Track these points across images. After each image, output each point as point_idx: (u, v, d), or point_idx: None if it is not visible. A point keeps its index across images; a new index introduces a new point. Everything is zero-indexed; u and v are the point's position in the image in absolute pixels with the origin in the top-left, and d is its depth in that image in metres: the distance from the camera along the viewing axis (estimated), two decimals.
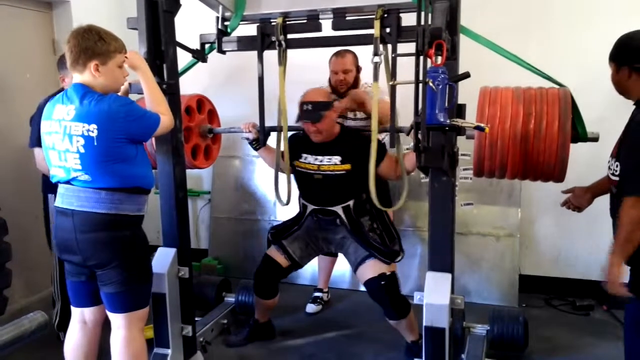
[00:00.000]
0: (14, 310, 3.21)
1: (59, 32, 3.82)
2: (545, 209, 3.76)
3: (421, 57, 1.89)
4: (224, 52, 2.84)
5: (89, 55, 2.04)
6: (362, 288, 2.86)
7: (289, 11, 2.68)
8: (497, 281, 3.73)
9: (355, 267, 2.84)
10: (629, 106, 2.05)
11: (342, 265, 3.67)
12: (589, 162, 2.73)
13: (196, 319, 2.92)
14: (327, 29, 2.66)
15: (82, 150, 2.04)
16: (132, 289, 2.20)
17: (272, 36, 2.69)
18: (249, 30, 2.81)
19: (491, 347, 2.93)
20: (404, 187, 2.63)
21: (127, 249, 2.18)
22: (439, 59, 1.90)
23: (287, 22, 2.68)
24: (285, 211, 3.36)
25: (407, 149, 3.26)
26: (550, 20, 3.59)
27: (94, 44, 2.04)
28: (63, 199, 2.15)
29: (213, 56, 2.89)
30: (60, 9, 3.81)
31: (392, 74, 2.41)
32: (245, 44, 2.80)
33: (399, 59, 2.32)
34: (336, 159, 2.78)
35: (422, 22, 1.90)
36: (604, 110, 2.67)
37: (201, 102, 3.08)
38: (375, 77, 2.51)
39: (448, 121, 1.93)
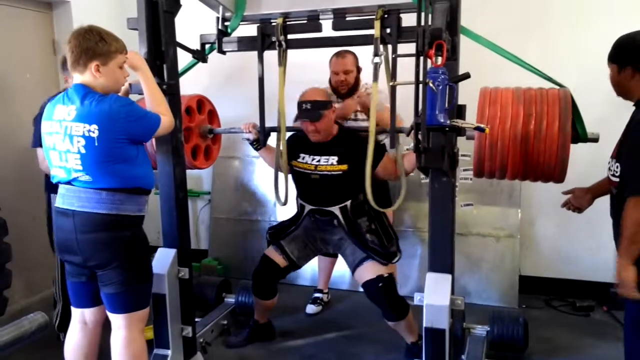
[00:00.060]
0: (14, 311, 3.21)
1: (59, 32, 3.83)
2: (546, 209, 3.76)
3: (421, 58, 1.89)
4: (224, 53, 2.84)
5: (90, 56, 2.05)
6: (362, 289, 2.86)
7: (289, 11, 2.68)
8: (497, 282, 3.73)
9: (353, 268, 2.84)
10: (628, 107, 2.05)
11: (342, 266, 3.66)
12: (589, 163, 2.73)
13: (196, 319, 2.92)
14: (327, 29, 2.66)
15: (82, 150, 2.04)
16: (132, 289, 2.20)
17: (272, 36, 2.69)
18: (249, 30, 2.81)
19: (491, 348, 2.93)
20: (402, 188, 2.63)
21: (128, 250, 2.17)
22: (439, 59, 1.90)
23: (288, 23, 2.68)
24: (285, 212, 3.36)
25: (408, 149, 3.26)
26: (550, 20, 3.59)
27: (94, 45, 2.04)
28: (64, 200, 2.15)
29: (213, 56, 2.89)
30: (60, 9, 3.81)
31: (392, 75, 2.41)
32: (245, 44, 2.80)
33: (399, 59, 2.32)
34: (333, 159, 2.78)
35: (422, 23, 1.90)
36: (604, 111, 2.66)
37: (201, 102, 3.08)
38: (375, 78, 2.52)
39: (448, 122, 1.93)
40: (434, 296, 2.18)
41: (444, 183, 2.21)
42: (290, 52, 2.73)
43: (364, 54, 2.81)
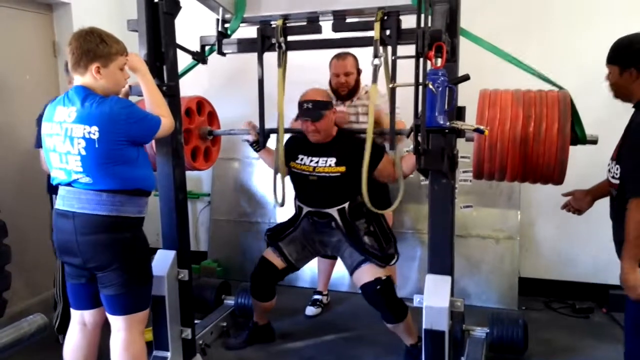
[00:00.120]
0: (13, 313, 3.20)
1: (60, 34, 3.83)
2: (545, 211, 3.76)
3: (421, 60, 1.89)
4: (224, 54, 2.85)
5: (91, 58, 2.05)
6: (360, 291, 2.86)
7: (288, 13, 2.69)
8: (496, 284, 3.73)
9: (351, 271, 2.84)
10: (628, 109, 2.05)
11: (341, 268, 3.65)
12: (588, 165, 2.74)
13: (195, 321, 2.92)
14: (327, 31, 2.66)
15: (83, 152, 2.04)
16: (132, 291, 2.20)
17: (272, 38, 2.69)
18: (249, 32, 2.81)
19: (491, 349, 2.93)
20: (400, 189, 2.63)
21: (128, 251, 2.17)
22: (439, 61, 1.90)
23: (287, 24, 2.68)
24: (285, 214, 3.36)
25: (407, 150, 3.27)
26: (550, 21, 3.59)
27: (95, 47, 2.04)
28: (64, 201, 2.15)
29: (213, 58, 2.89)
30: (60, 10, 3.81)
31: (391, 77, 2.41)
32: (245, 46, 2.80)
33: (398, 61, 2.32)
34: (332, 161, 2.78)
35: (422, 25, 1.90)
36: (603, 113, 2.67)
37: (201, 104, 3.08)
38: (375, 79, 2.52)
39: (448, 124, 1.94)
40: (434, 298, 2.18)
41: (443, 185, 2.21)
42: (290, 53, 2.74)
43: (364, 56, 2.81)
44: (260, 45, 2.74)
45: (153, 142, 2.52)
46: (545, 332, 3.31)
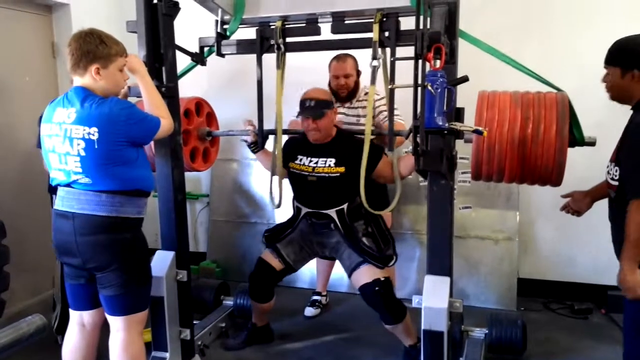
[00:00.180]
0: (12, 314, 3.20)
1: (59, 35, 3.83)
2: (544, 212, 3.76)
3: (420, 61, 1.90)
4: (223, 56, 2.85)
5: (90, 59, 2.05)
6: (359, 292, 2.86)
7: (288, 14, 2.69)
8: (495, 285, 3.73)
9: (349, 272, 2.84)
10: (626, 111, 2.06)
11: (340, 269, 3.65)
12: (587, 167, 2.74)
13: (194, 322, 2.92)
14: (326, 32, 2.66)
15: (82, 153, 2.04)
16: (131, 291, 2.20)
17: (271, 39, 2.69)
18: (248, 33, 2.81)
19: (489, 350, 2.93)
20: (397, 190, 2.63)
21: (127, 252, 2.18)
22: (438, 62, 1.91)
23: (286, 26, 2.69)
24: (284, 214, 3.36)
25: (406, 151, 3.27)
26: (550, 21, 3.60)
27: (95, 48, 2.05)
28: (63, 202, 2.15)
29: (212, 59, 2.89)
30: (59, 12, 3.81)
31: (390, 78, 2.42)
32: (244, 47, 2.81)
33: (397, 62, 2.32)
34: (331, 161, 2.78)
35: (421, 26, 1.91)
36: (602, 115, 2.67)
37: (200, 104, 3.08)
38: (373, 81, 2.53)
39: (447, 125, 1.94)
40: (433, 299, 2.19)
41: (442, 186, 2.21)
42: (289, 54, 2.74)
43: (363, 57, 2.82)
44: (259, 46, 2.74)
45: (152, 143, 2.52)
46: (544, 333, 3.31)
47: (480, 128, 1.95)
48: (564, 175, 2.13)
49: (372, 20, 2.45)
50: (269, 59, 2.74)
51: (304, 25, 2.72)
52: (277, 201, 2.88)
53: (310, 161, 2.83)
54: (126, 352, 2.23)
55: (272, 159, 2.90)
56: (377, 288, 2.68)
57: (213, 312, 3.43)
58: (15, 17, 3.54)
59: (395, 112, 2.83)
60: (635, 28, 2.17)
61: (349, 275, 2.85)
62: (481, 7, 3.49)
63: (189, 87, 3.06)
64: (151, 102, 2.25)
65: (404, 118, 3.22)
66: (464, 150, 2.69)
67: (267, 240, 3.01)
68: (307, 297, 3.76)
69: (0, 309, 2.98)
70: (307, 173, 2.82)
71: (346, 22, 2.66)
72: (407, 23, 2.38)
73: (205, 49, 2.86)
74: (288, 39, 2.68)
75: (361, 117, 3.27)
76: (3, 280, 2.96)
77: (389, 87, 2.37)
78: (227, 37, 2.82)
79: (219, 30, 2.78)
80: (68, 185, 2.13)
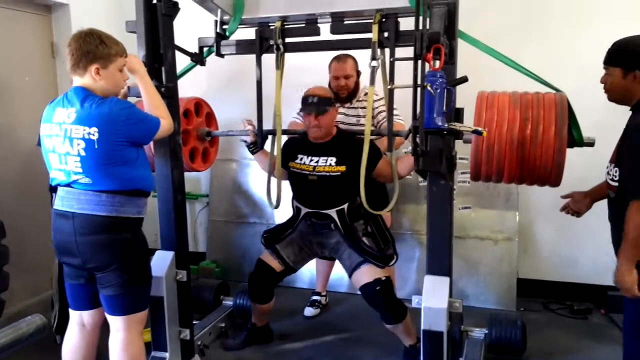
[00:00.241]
0: (11, 314, 3.20)
1: (58, 35, 3.83)
2: (543, 212, 3.77)
3: (419, 62, 1.90)
4: (222, 56, 2.85)
5: (90, 59, 2.05)
6: (360, 292, 2.86)
7: (287, 15, 2.69)
8: (495, 285, 3.74)
9: (350, 272, 2.84)
10: (625, 111, 2.06)
11: (340, 269, 3.65)
12: (585, 167, 2.74)
13: (194, 322, 2.92)
14: (325, 33, 2.66)
15: (82, 153, 2.05)
16: (131, 291, 2.20)
17: (270, 40, 2.69)
18: (248, 33, 2.81)
19: (489, 350, 2.93)
20: (395, 190, 2.64)
21: (127, 252, 2.18)
22: (437, 63, 1.91)
23: (286, 26, 2.69)
24: (284, 215, 3.36)
25: (405, 152, 3.27)
26: (550, 21, 3.60)
27: (95, 48, 2.05)
28: (63, 202, 2.15)
29: (211, 59, 2.90)
30: (59, 12, 3.81)
31: (390, 78, 2.42)
32: (243, 47, 2.81)
33: (397, 63, 2.32)
34: (332, 160, 2.78)
35: (420, 27, 1.91)
36: (600, 115, 2.68)
37: (199, 105, 3.08)
38: (372, 81, 2.53)
39: (446, 125, 1.95)
40: (432, 299, 2.19)
41: (442, 186, 2.22)
42: (288, 55, 2.74)
43: (363, 58, 2.82)
44: (258, 46, 2.74)
45: (151, 143, 2.52)
46: (543, 333, 3.31)
47: (480, 128, 1.95)
48: (563, 176, 2.13)
49: (371, 20, 2.46)
50: (269, 59, 2.75)
51: (303, 25, 2.72)
52: (275, 202, 2.88)
53: (311, 160, 2.83)
54: (126, 352, 2.23)
55: (270, 159, 2.89)
56: (378, 287, 2.68)
57: (213, 312, 3.43)
58: (14, 17, 3.54)
59: (395, 112, 2.83)
60: (634, 28, 2.17)
61: (350, 275, 2.85)
62: (480, 8, 3.49)
63: (188, 87, 3.06)
64: (151, 102, 2.25)
65: (404, 118, 3.23)
66: (463, 150, 2.70)
67: (266, 242, 3.00)
68: (306, 297, 3.76)
69: (0, 309, 2.99)
70: (307, 172, 2.82)
71: (345, 22, 2.66)
72: (406, 23, 2.38)
73: (205, 49, 2.86)
74: (287, 40, 2.69)
75: (361, 117, 3.27)
76: (3, 280, 2.96)
77: (388, 87, 2.37)
78: (226, 38, 2.82)
79: (218, 30, 2.78)
80: (68, 185, 2.13)
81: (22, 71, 3.63)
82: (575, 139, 2.19)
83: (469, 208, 3.77)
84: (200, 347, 2.99)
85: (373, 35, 2.45)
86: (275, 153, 2.86)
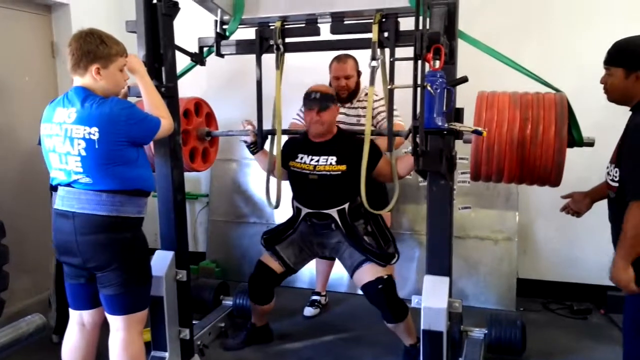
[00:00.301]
0: (11, 313, 3.20)
1: (58, 34, 3.83)
2: (543, 213, 3.77)
3: (419, 62, 1.90)
4: (222, 56, 2.85)
5: (91, 59, 2.05)
6: (360, 291, 2.86)
7: (287, 15, 2.69)
8: (495, 285, 3.74)
9: (351, 271, 2.84)
10: (625, 111, 2.06)
11: (339, 269, 3.66)
12: (585, 167, 2.74)
13: (194, 322, 2.92)
14: (325, 32, 2.67)
15: (83, 153, 2.05)
16: (131, 291, 2.20)
17: (270, 40, 2.70)
18: (248, 33, 2.81)
19: (489, 350, 2.94)
20: (395, 190, 2.64)
21: (127, 251, 2.18)
22: (437, 63, 1.91)
23: (286, 26, 2.69)
24: (284, 215, 3.36)
25: (405, 152, 3.27)
26: (550, 21, 3.60)
27: (95, 48, 2.05)
28: (63, 202, 2.15)
29: (211, 59, 2.90)
30: (59, 11, 3.81)
31: (390, 78, 2.42)
32: (243, 47, 2.81)
33: (397, 63, 2.32)
34: (332, 159, 2.78)
35: (420, 27, 1.91)
36: (602, 115, 2.67)
37: (199, 105, 3.08)
38: (372, 81, 2.53)
39: (446, 125, 1.95)
40: (432, 299, 2.19)
41: (441, 186, 2.22)
42: (289, 55, 2.74)
43: (363, 58, 2.82)
44: (258, 46, 2.74)
45: (151, 143, 2.52)
46: (543, 333, 3.31)
47: (480, 128, 1.95)
48: (563, 176, 2.13)
49: (371, 20, 2.46)
50: (269, 59, 2.75)
51: (303, 25, 2.72)
52: (275, 202, 2.88)
53: (312, 159, 2.82)
54: (126, 351, 2.23)
55: (269, 158, 2.89)
56: (380, 286, 2.68)
57: (212, 312, 3.43)
58: (14, 16, 3.54)
59: (395, 112, 2.83)
60: (634, 28, 2.17)
61: (351, 275, 2.85)
62: (480, 8, 3.50)
63: (188, 87, 3.06)
64: (151, 102, 2.25)
65: (403, 119, 3.23)
66: (463, 150, 2.70)
67: (266, 243, 2.99)
68: (306, 297, 3.76)
69: (0, 309, 2.99)
70: (308, 171, 2.82)
71: (345, 22, 2.66)
72: (406, 23, 2.38)
73: (205, 49, 2.86)
74: (287, 40, 2.69)
75: (361, 117, 3.27)
76: (3, 280, 2.97)
77: (388, 87, 2.37)
78: (226, 38, 2.82)
79: (218, 30, 2.78)
80: (68, 184, 2.14)
81: (22, 71, 3.64)
82: (575, 139, 2.19)
83: (469, 208, 3.77)
84: (200, 347, 2.99)
85: (373, 35, 2.45)
86: (275, 153, 2.86)
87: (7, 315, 3.04)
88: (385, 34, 2.45)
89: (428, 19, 1.99)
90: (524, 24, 3.63)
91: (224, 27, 2.81)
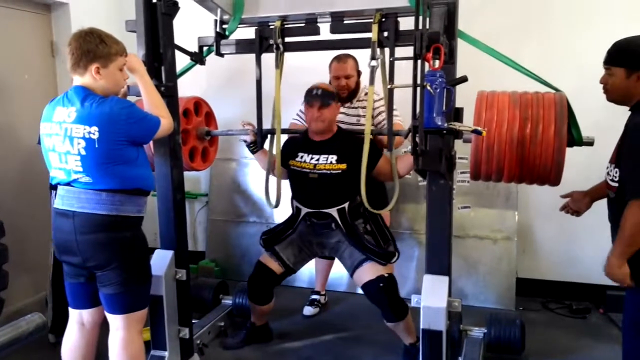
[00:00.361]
0: (11, 312, 3.21)
1: (58, 34, 3.82)
2: (543, 212, 3.77)
3: (419, 61, 1.90)
4: (222, 55, 2.85)
5: (91, 58, 2.06)
6: (360, 291, 2.87)
7: (287, 14, 2.69)
8: (494, 284, 3.74)
9: (352, 271, 2.83)
10: (624, 111, 2.07)
11: (339, 268, 3.66)
12: (584, 166, 2.74)
13: (193, 321, 2.93)
14: (325, 32, 2.67)
15: (83, 152, 2.05)
16: (131, 290, 2.21)
17: (270, 39, 2.70)
18: (247, 33, 2.81)
19: (488, 350, 2.94)
20: (395, 190, 2.64)
21: (127, 250, 2.18)
22: (437, 62, 1.91)
23: (285, 26, 2.69)
24: (283, 214, 3.36)
25: (405, 151, 3.27)
26: (550, 20, 3.60)
27: (95, 47, 2.05)
28: (63, 201, 2.15)
29: (211, 59, 2.90)
30: (58, 11, 3.81)
31: (389, 78, 2.42)
32: (243, 47, 2.81)
33: (397, 62, 2.32)
34: (332, 158, 2.78)
35: (420, 26, 1.91)
36: (601, 114, 2.68)
37: (198, 104, 3.08)
38: (372, 81, 2.53)
39: (446, 125, 1.95)
40: (431, 298, 2.19)
41: (441, 185, 2.22)
42: (288, 54, 2.74)
43: (363, 57, 2.82)
44: (258, 46, 2.74)
45: (151, 142, 2.52)
46: (542, 333, 3.32)
47: (479, 128, 1.96)
48: (563, 175, 2.14)
49: (371, 20, 2.46)
50: (268, 58, 2.75)
51: (303, 25, 2.72)
52: (274, 202, 2.88)
53: (312, 158, 2.82)
54: (125, 350, 2.23)
55: (269, 158, 2.89)
56: (381, 284, 2.68)
57: (212, 311, 3.43)
58: (14, 16, 3.54)
59: (395, 112, 2.83)
60: (634, 28, 2.17)
61: (351, 274, 2.85)
62: (480, 8, 3.50)
63: (188, 87, 3.06)
64: (150, 101, 2.25)
65: (403, 118, 3.23)
66: (462, 150, 2.70)
67: (265, 243, 2.99)
68: (305, 297, 3.76)
69: None
70: (308, 170, 2.82)
71: (345, 22, 2.66)
72: (406, 23, 2.38)
73: (205, 48, 2.86)
74: (287, 39, 2.69)
75: (361, 117, 3.26)
76: (2, 279, 2.97)
77: (388, 87, 2.37)
78: (226, 37, 2.82)
79: (218, 29, 2.78)
80: (68, 184, 2.14)
81: (22, 70, 3.63)
82: (575, 138, 2.19)
83: (469, 207, 3.77)
84: (200, 346, 3.00)
85: (373, 34, 2.45)
86: (274, 152, 2.86)
87: (6, 314, 3.04)
88: (385, 34, 2.45)
89: (428, 19, 2.00)
90: (524, 24, 3.63)
91: (224, 26, 2.81)
